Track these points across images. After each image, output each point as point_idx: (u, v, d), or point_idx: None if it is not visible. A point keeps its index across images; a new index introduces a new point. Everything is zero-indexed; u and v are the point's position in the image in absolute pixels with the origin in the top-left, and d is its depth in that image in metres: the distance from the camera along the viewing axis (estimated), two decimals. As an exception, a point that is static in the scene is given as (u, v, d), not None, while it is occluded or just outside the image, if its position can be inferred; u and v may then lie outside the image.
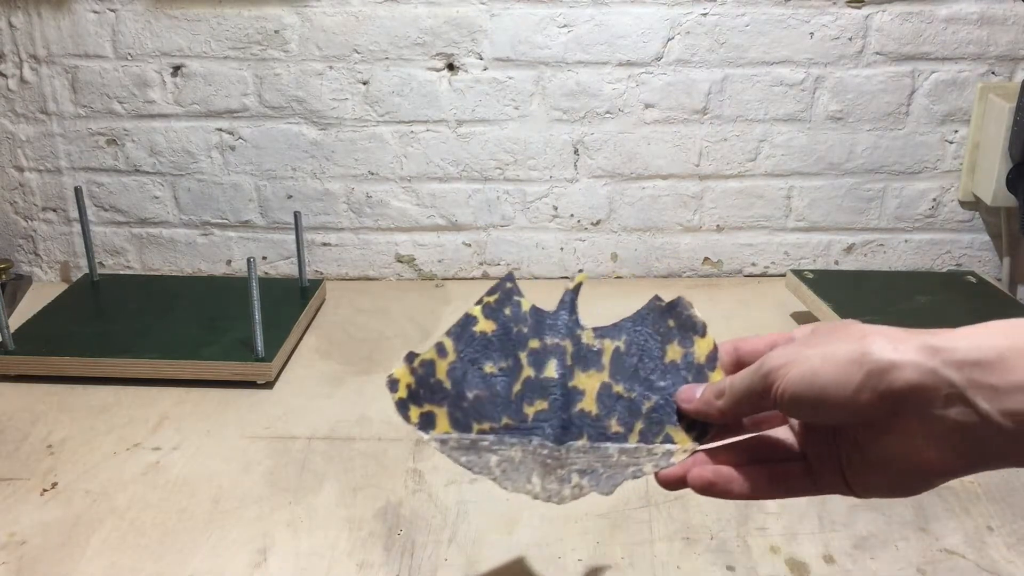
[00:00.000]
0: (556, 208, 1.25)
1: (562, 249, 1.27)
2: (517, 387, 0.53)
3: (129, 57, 1.18)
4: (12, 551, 0.75)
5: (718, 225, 1.26)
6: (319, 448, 0.89)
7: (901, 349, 0.38)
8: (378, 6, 1.15)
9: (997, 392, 0.36)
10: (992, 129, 1.16)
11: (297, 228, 1.15)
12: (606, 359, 0.53)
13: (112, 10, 1.16)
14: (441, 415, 0.52)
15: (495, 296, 0.56)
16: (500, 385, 0.53)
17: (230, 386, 0.99)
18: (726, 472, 0.47)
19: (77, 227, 1.26)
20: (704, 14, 1.15)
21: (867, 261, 1.28)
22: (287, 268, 1.28)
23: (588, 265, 1.28)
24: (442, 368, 0.53)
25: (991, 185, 1.17)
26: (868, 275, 1.23)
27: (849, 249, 1.27)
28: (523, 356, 0.54)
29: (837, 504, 0.80)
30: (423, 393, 0.53)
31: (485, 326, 0.55)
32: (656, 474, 0.49)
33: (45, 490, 0.82)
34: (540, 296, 1.23)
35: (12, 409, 0.95)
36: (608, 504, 0.80)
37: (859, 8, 1.15)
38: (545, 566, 0.74)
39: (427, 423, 0.52)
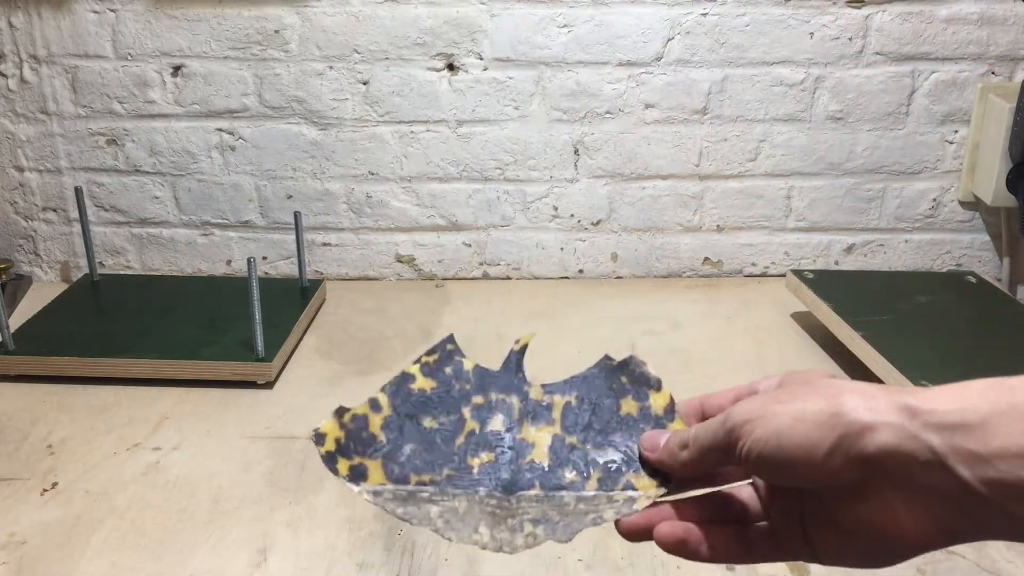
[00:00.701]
0: (556, 208, 1.25)
1: (562, 249, 1.27)
2: (460, 440, 0.49)
3: (129, 57, 1.18)
4: (12, 551, 0.75)
5: (718, 225, 1.26)
6: (319, 448, 0.89)
7: (877, 409, 0.36)
8: (378, 6, 1.15)
9: (979, 459, 0.34)
10: (992, 129, 1.16)
11: (297, 228, 1.15)
12: (556, 413, 0.50)
13: (112, 10, 1.16)
14: (374, 468, 0.48)
15: (435, 356, 0.52)
16: (441, 438, 0.49)
17: (230, 386, 0.99)
18: (696, 532, 0.44)
19: (77, 227, 1.26)
20: (704, 14, 1.15)
21: (867, 261, 1.28)
22: (287, 268, 1.28)
23: (588, 265, 1.28)
24: (375, 422, 0.49)
25: (991, 185, 1.17)
26: (868, 275, 1.23)
27: (849, 249, 1.27)
28: (466, 411, 0.50)
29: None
30: (353, 446, 0.49)
31: (424, 383, 0.51)
32: (617, 523, 0.45)
33: (45, 490, 0.82)
34: (540, 298, 1.23)
35: (12, 409, 0.95)
36: (608, 504, 0.80)
37: (859, 8, 1.15)
38: (545, 566, 0.74)
39: (358, 476, 0.48)
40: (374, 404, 0.50)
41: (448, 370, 0.52)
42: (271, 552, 0.75)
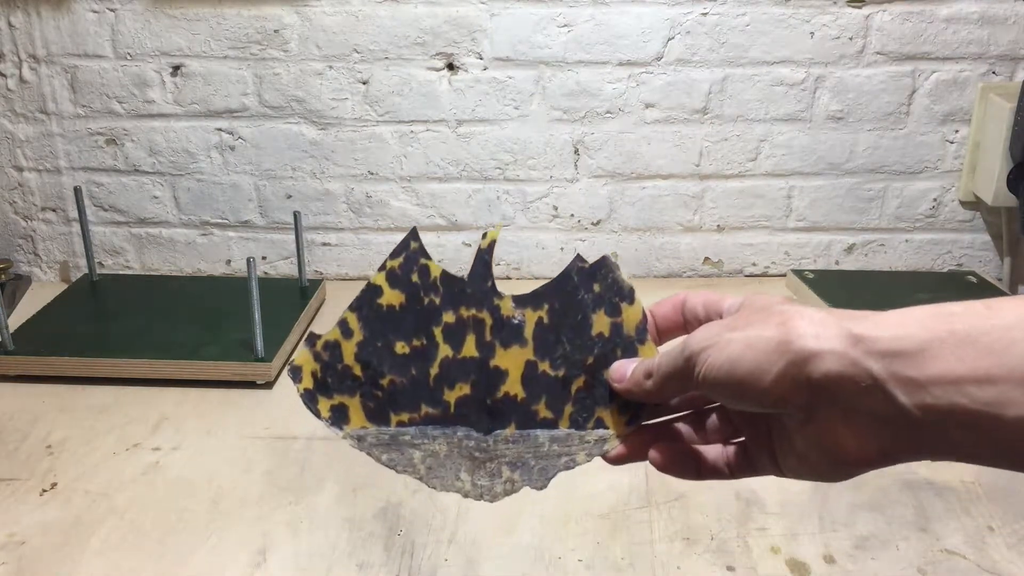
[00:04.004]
0: (556, 208, 1.25)
1: (562, 249, 1.27)
2: (435, 370, 0.49)
3: (129, 57, 1.18)
4: (12, 551, 0.74)
5: (718, 225, 1.26)
6: (319, 448, 0.89)
7: (823, 337, 0.37)
8: (378, 6, 1.15)
9: (915, 385, 0.35)
10: (993, 129, 1.16)
11: (297, 228, 1.14)
12: (529, 332, 0.49)
13: (112, 10, 1.16)
14: (354, 407, 0.49)
15: (399, 260, 0.50)
16: (416, 368, 0.49)
17: (230, 386, 0.99)
18: (683, 453, 0.47)
19: (76, 227, 1.26)
20: (704, 14, 1.15)
21: (868, 261, 1.28)
22: (287, 268, 1.28)
23: (588, 265, 1.28)
24: (349, 351, 0.49)
25: (992, 185, 1.17)
26: (868, 275, 1.23)
27: (850, 249, 1.27)
28: (438, 332, 0.49)
29: (837, 504, 0.80)
30: (331, 382, 0.49)
31: (391, 298, 0.49)
32: (604, 455, 0.48)
33: (45, 490, 0.82)
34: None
35: (12, 409, 0.95)
36: (608, 504, 0.80)
37: (859, 8, 1.15)
38: (545, 566, 0.74)
39: (339, 417, 0.49)
40: (344, 328, 0.50)
41: (415, 278, 0.50)
42: (271, 552, 0.75)
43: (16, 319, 1.10)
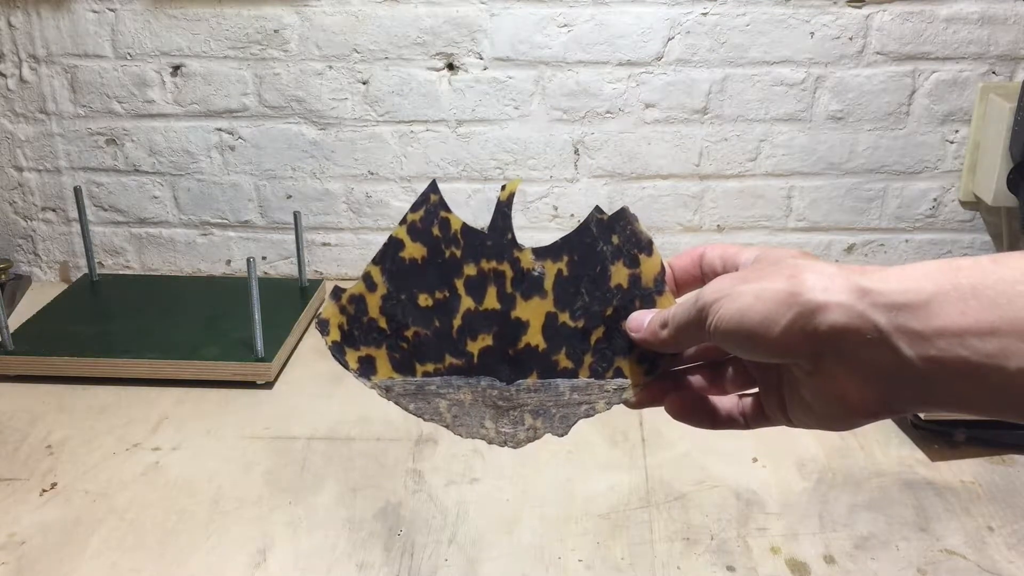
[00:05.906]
0: (556, 208, 1.25)
1: (562, 249, 1.26)
2: (457, 321, 0.50)
3: (128, 57, 1.18)
4: (12, 551, 0.74)
5: (718, 225, 1.26)
6: (319, 448, 0.89)
7: (831, 290, 0.38)
8: (378, 6, 1.15)
9: (920, 337, 0.36)
10: (993, 129, 1.16)
11: (297, 228, 1.14)
12: (548, 284, 0.50)
13: (111, 10, 1.16)
14: (381, 358, 0.50)
15: (420, 213, 0.50)
16: (439, 320, 0.50)
17: (230, 386, 0.99)
18: (698, 402, 0.48)
19: (76, 227, 1.26)
20: (704, 14, 1.15)
21: (868, 261, 1.28)
22: (287, 268, 1.28)
23: (588, 265, 1.28)
24: (374, 304, 0.50)
25: (992, 185, 1.17)
26: (868, 275, 1.23)
27: (850, 249, 1.27)
28: (459, 284, 0.50)
29: (837, 504, 0.80)
30: (358, 334, 0.50)
31: (413, 251, 0.50)
32: (626, 402, 0.50)
33: (45, 490, 0.82)
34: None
35: (12, 409, 0.95)
36: (608, 504, 0.80)
37: (859, 8, 1.15)
38: (545, 566, 0.74)
39: (367, 368, 0.50)
40: (368, 281, 0.50)
41: (436, 231, 0.51)
42: (271, 552, 0.75)
43: (16, 319, 1.10)
